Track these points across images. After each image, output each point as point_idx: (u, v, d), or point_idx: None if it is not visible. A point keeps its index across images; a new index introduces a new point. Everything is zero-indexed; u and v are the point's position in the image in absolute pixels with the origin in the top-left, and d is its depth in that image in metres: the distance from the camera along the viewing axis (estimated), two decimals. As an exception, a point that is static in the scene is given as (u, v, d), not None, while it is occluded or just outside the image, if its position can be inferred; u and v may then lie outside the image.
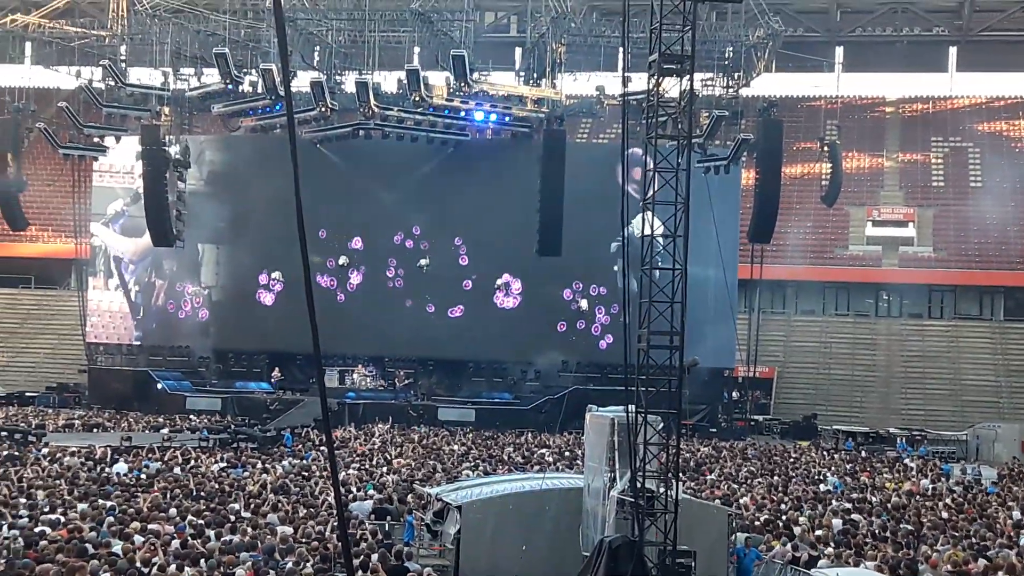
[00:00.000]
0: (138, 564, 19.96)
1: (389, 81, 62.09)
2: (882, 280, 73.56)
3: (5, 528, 22.67)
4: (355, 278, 62.92)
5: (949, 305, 73.17)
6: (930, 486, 37.53)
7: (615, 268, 57.95)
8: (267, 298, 63.39)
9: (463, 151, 61.64)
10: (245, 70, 61.56)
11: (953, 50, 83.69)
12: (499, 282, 62.04)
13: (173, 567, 19.78)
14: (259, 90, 60.65)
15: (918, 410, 63.98)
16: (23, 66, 70.34)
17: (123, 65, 63.80)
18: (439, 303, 62.26)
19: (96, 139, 64.06)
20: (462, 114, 59.56)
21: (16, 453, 37.07)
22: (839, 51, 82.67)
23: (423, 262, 62.25)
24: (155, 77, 62.71)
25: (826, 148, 64.00)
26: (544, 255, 57.10)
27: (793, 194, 70.61)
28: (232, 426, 49.61)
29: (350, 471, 34.42)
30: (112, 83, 62.41)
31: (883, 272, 73.41)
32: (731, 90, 60.04)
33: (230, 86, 60.54)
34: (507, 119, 60.29)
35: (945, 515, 29.81)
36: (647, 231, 23.04)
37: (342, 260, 62.56)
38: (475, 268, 62.14)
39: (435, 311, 62.27)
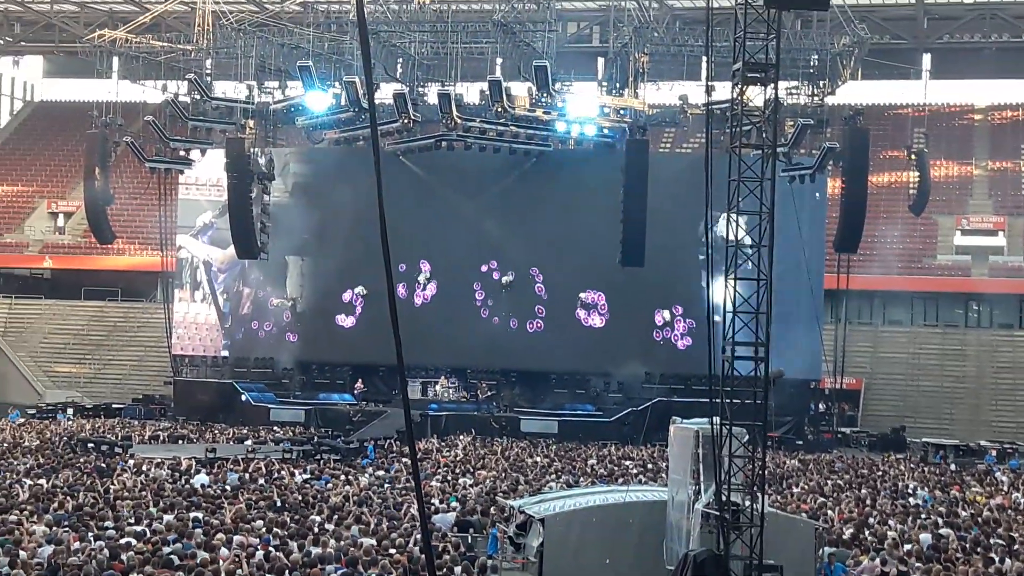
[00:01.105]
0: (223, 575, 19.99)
1: (472, 92, 62.01)
2: (972, 290, 72.48)
3: (92, 539, 22.80)
4: (431, 289, 62.96)
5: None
6: (1022, 500, 36.83)
7: (700, 279, 57.50)
8: (348, 320, 63.68)
9: (545, 162, 61.50)
10: (329, 82, 61.79)
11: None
12: (582, 295, 61.80)
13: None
14: (343, 102, 60.83)
15: (1009, 422, 62.89)
16: (110, 81, 71.09)
17: (208, 79, 64.30)
18: (520, 316, 62.13)
19: (182, 152, 64.55)
20: (545, 124, 59.40)
21: (103, 465, 37.39)
22: (926, 58, 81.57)
23: (507, 278, 62.16)
24: (240, 90, 63.14)
25: (913, 156, 63.19)
26: (627, 265, 56.76)
27: (880, 203, 69.79)
28: (315, 438, 49.77)
29: (433, 483, 34.35)
30: (197, 97, 62.88)
31: (973, 282, 72.32)
32: (816, 98, 59.39)
33: (311, 105, 60.89)
34: (590, 129, 60.07)
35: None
36: (731, 240, 22.77)
37: (422, 277, 62.74)
38: (557, 279, 61.89)
39: (516, 325, 62.15)
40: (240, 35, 63.01)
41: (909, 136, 66.68)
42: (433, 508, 29.20)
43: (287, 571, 20.68)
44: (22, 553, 21.20)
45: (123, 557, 21.19)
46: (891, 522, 29.51)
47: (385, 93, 61.32)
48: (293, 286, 65.49)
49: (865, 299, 70.78)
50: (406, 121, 59.35)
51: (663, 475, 32.36)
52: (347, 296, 63.64)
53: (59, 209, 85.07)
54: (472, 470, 39.20)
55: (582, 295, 61.83)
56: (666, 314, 61.00)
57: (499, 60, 64.16)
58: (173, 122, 64.63)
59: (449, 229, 62.18)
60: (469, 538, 26.51)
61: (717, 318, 23.19)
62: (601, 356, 60.03)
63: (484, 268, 62.58)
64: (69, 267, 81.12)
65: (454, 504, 30.19)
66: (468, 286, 62.58)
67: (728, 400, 22.01)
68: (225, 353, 66.19)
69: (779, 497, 33.50)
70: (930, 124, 72.92)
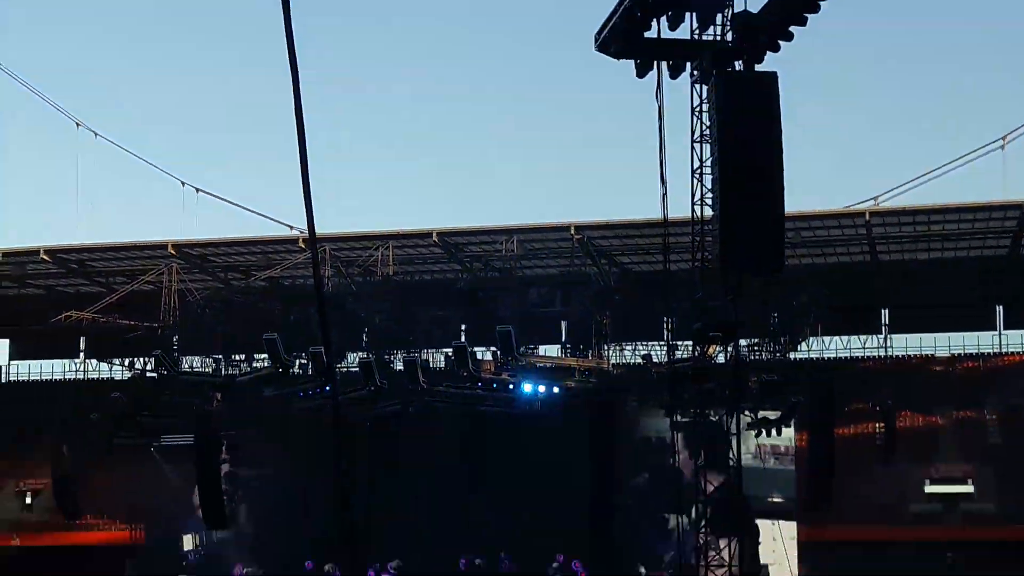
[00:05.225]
0: None
1: (437, 358, 62.71)
2: (945, 538, 72.16)
3: None
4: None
5: (1018, 563, 71.54)
6: None
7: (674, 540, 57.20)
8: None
9: (513, 423, 61.74)
10: (295, 354, 62.39)
11: (1000, 309, 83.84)
12: (556, 563, 61.34)
13: None
14: (310, 372, 61.30)
15: None
16: (77, 360, 71.70)
17: (175, 354, 64.88)
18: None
19: (150, 427, 64.59)
20: (510, 387, 59.91)
21: None
22: (885, 313, 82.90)
23: (478, 561, 61.92)
24: (207, 364, 63.67)
25: (879, 408, 63.73)
26: (596, 536, 56.56)
27: (848, 454, 69.89)
28: None
29: None
30: (165, 372, 63.35)
31: (947, 531, 72.10)
32: (779, 354, 60.24)
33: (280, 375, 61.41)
34: (555, 390, 60.57)
35: None
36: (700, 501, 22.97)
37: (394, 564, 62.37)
38: (527, 548, 61.39)
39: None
40: (206, 312, 63.85)
41: (873, 389, 67.28)
42: None
43: None
44: None
45: None
46: None
47: (351, 361, 61.91)
48: (262, 556, 64.74)
49: (841, 548, 70.27)
50: (372, 388, 59.79)
51: None
52: (312, 564, 63.01)
53: (27, 487, 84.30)
54: None
55: (556, 563, 61.33)
56: (642, 570, 60.50)
57: (463, 327, 65.23)
58: (141, 397, 64.80)
59: (416, 507, 61.60)
60: None
61: None
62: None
63: (463, 562, 62.13)
64: (37, 544, 79.95)
65: None
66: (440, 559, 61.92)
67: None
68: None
69: None
70: (894, 376, 73.53)
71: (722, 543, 22.44)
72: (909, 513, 73.65)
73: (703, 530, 22.15)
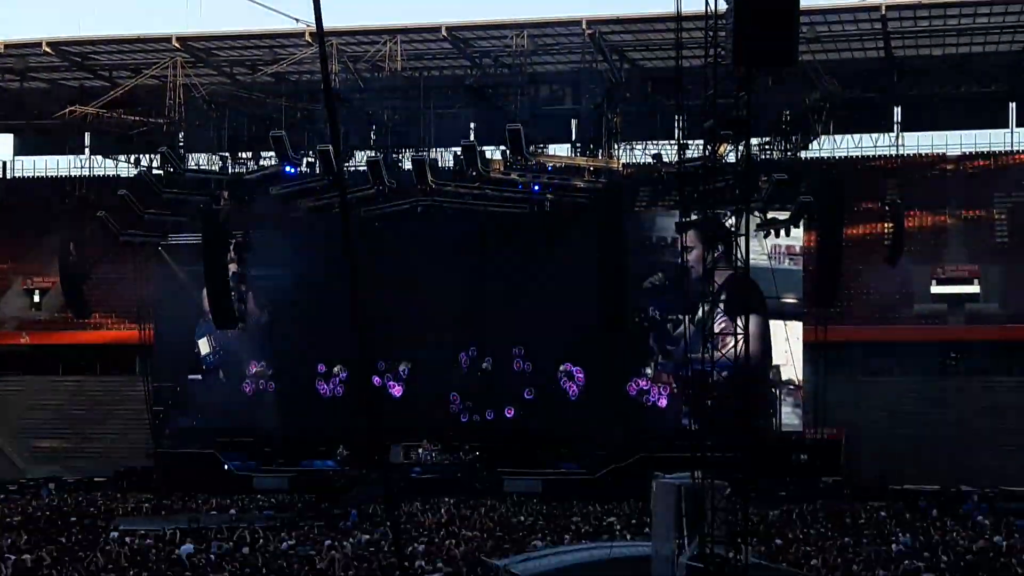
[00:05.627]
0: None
1: (446, 157, 62.39)
2: (949, 338, 72.69)
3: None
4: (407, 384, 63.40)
5: (1018, 362, 72.15)
6: (1004, 543, 36.89)
7: (679, 335, 57.70)
8: (328, 388, 63.82)
9: (522, 224, 61.74)
10: (302, 151, 62.07)
11: (1013, 106, 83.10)
12: (562, 367, 61.92)
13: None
14: (317, 171, 61.07)
15: (990, 467, 62.92)
16: (82, 156, 71.41)
17: (181, 151, 64.57)
18: (498, 405, 62.58)
19: (157, 225, 64.56)
20: (520, 187, 59.76)
21: (86, 538, 37.26)
22: (897, 110, 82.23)
23: (485, 365, 62.53)
24: (213, 162, 63.41)
25: (888, 208, 63.60)
26: (607, 330, 56.97)
27: (856, 254, 70.02)
28: (299, 504, 49.58)
29: (418, 546, 34.26)
30: (171, 169, 63.11)
31: (950, 330, 72.59)
32: (789, 153, 59.83)
33: (288, 170, 61.18)
34: (565, 191, 60.42)
35: (1020, 572, 29.30)
36: (708, 300, 23.00)
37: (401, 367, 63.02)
38: (537, 340, 61.99)
39: (493, 416, 62.63)
40: (212, 107, 63.31)
41: (883, 188, 67.07)
42: (420, 570, 29.15)
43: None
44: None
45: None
46: (875, 569, 29.55)
47: (359, 160, 61.65)
48: (271, 354, 65.37)
49: (844, 350, 70.82)
50: (380, 187, 59.65)
51: (647, 530, 32.36)
52: (324, 367, 63.80)
53: (34, 286, 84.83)
54: (457, 532, 39.13)
55: (562, 367, 61.97)
56: (648, 371, 61.15)
57: (472, 124, 64.69)
58: (147, 195, 64.72)
59: (426, 295, 61.97)
60: (456, 599, 26.54)
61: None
62: (583, 418, 59.93)
63: (463, 357, 62.85)
64: (46, 343, 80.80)
65: (440, 565, 30.12)
66: (448, 356, 62.52)
67: (709, 454, 22.13)
68: (204, 424, 65.93)
69: (763, 548, 33.51)
70: (903, 175, 73.31)
71: (729, 339, 22.51)
72: (914, 314, 74.04)
73: (717, 314, 22.33)
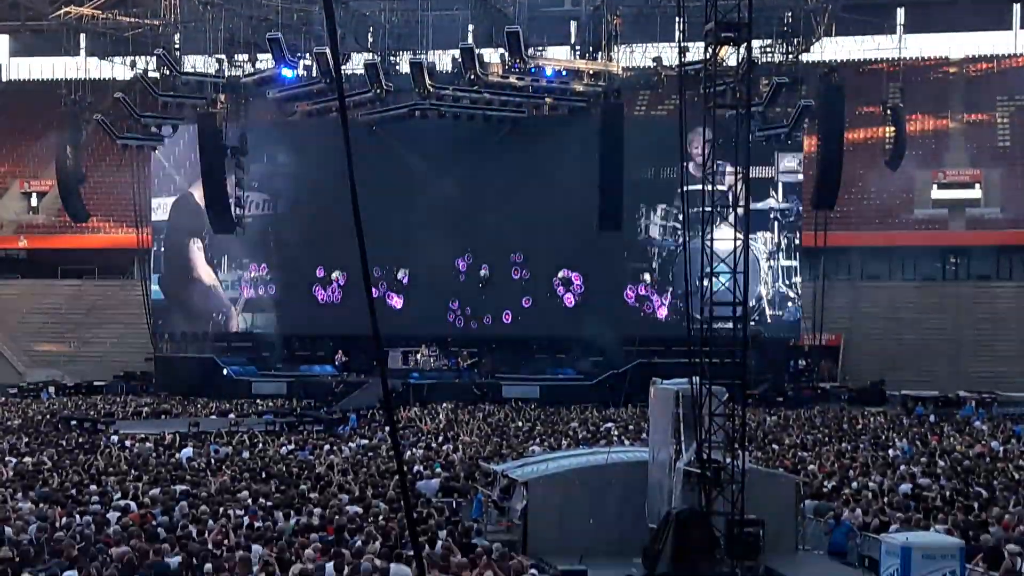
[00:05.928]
0: (210, 546, 20.01)
1: (444, 60, 61.84)
2: (949, 243, 72.69)
3: (78, 515, 22.79)
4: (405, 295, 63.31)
5: (1018, 267, 72.20)
6: (1001, 448, 37.04)
7: (677, 241, 57.56)
8: (327, 294, 63.78)
9: (520, 128, 61.38)
10: (299, 54, 61.49)
11: (1017, 7, 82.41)
12: (560, 274, 61.82)
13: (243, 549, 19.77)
14: (314, 74, 60.55)
15: (987, 373, 63.14)
16: (78, 58, 70.70)
17: (177, 54, 64.02)
18: (496, 311, 62.51)
19: (154, 128, 64.17)
20: (519, 90, 59.31)
21: (86, 441, 37.43)
22: (900, 12, 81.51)
23: (483, 272, 62.33)
24: (210, 64, 62.88)
25: (889, 112, 63.29)
26: (605, 230, 56.88)
27: (857, 159, 69.79)
28: (298, 409, 49.77)
29: (416, 451, 34.39)
30: (167, 72, 62.59)
31: (950, 235, 72.57)
32: (791, 56, 59.31)
33: (284, 75, 60.64)
34: (564, 93, 59.98)
35: (1017, 476, 29.42)
36: (707, 202, 22.83)
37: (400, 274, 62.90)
38: (537, 253, 61.82)
39: (491, 321, 62.56)
40: (208, 8, 62.60)
41: (884, 91, 66.59)
42: (418, 475, 29.27)
43: (273, 540, 20.71)
44: (8, 530, 21.17)
45: (110, 531, 21.21)
46: (872, 474, 29.67)
47: (356, 63, 61.13)
48: (270, 259, 65.21)
49: (843, 255, 70.82)
50: (378, 91, 59.18)
51: (644, 436, 32.48)
52: (323, 271, 63.67)
53: (32, 189, 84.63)
54: (455, 436, 39.28)
55: (561, 273, 61.86)
56: (646, 276, 61.12)
57: (471, 27, 64.06)
58: (143, 98, 64.25)
59: (424, 201, 61.54)
60: (454, 503, 26.62)
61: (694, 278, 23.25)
62: (581, 324, 59.98)
63: (461, 263, 62.72)
64: (44, 247, 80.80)
65: (438, 470, 30.24)
66: (446, 262, 62.48)
67: (707, 360, 22.10)
68: (204, 328, 66.05)
69: (760, 453, 33.65)
70: (905, 78, 72.83)
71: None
72: (914, 218, 73.97)
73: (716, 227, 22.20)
